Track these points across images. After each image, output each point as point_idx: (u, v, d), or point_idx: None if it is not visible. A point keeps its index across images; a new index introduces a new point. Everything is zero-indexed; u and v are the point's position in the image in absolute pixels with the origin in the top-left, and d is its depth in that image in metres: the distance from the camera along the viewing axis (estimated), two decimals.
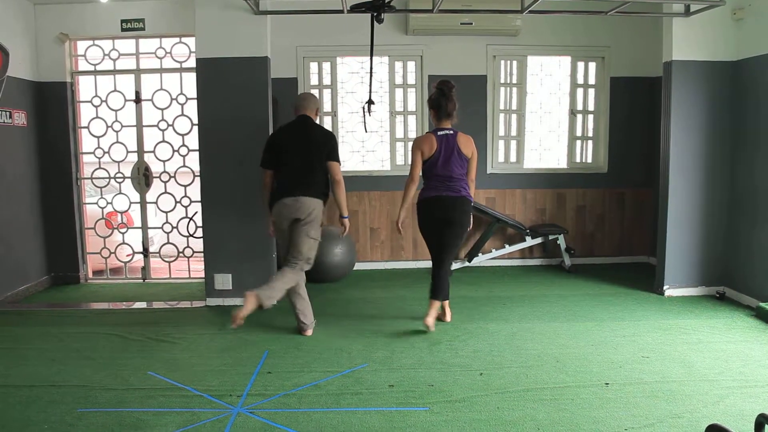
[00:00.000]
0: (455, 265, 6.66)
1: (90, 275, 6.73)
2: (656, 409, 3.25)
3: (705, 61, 5.40)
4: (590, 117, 7.10)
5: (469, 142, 4.70)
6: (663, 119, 5.58)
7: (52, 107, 6.32)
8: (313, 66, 6.82)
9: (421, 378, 3.72)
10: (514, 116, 7.02)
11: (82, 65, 6.49)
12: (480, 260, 6.81)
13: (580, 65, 7.00)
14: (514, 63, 6.93)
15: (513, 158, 7.06)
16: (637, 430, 3.02)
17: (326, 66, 6.83)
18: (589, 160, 7.16)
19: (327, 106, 6.88)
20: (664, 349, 4.19)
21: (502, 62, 6.91)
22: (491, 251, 6.81)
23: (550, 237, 6.68)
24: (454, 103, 4.67)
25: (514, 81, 6.97)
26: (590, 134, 7.12)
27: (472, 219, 4.78)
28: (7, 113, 5.80)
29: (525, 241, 6.76)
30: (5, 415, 3.29)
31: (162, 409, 3.33)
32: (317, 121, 4.73)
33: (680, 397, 3.41)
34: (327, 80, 6.85)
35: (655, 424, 3.08)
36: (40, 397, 3.50)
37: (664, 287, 5.62)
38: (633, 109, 6.96)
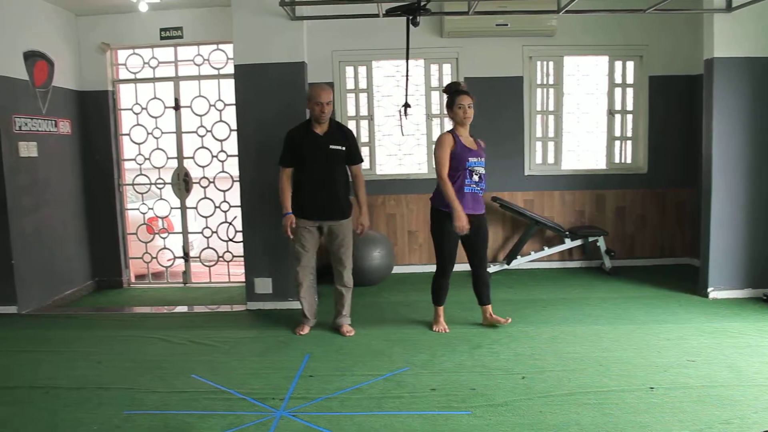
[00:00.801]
0: (494, 268, 6.63)
1: (132, 280, 6.86)
2: (704, 415, 3.18)
3: (748, 57, 5.28)
4: (629, 117, 7.00)
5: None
6: (705, 117, 5.47)
7: (94, 115, 6.48)
8: (349, 70, 6.85)
9: (462, 382, 3.70)
10: (551, 117, 6.96)
11: (123, 74, 6.63)
12: (519, 263, 6.76)
13: (618, 64, 6.91)
14: (551, 63, 6.87)
15: (551, 160, 6.99)
16: None
17: (362, 70, 6.85)
18: (629, 161, 7.06)
19: (363, 110, 6.91)
20: (710, 352, 4.10)
21: (539, 63, 6.86)
22: (530, 254, 6.75)
23: (590, 239, 6.59)
24: None
25: (551, 82, 6.90)
26: (629, 134, 7.02)
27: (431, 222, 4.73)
28: (53, 122, 5.95)
29: (564, 243, 6.68)
30: (56, 416, 3.37)
31: (206, 412, 3.37)
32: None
33: (729, 402, 3.33)
34: (363, 84, 6.88)
35: (704, 430, 3.01)
36: (88, 399, 3.58)
37: (709, 289, 5.50)
38: (672, 108, 6.84)
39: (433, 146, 4.63)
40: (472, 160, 4.50)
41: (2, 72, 5.35)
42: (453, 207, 4.41)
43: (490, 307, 4.78)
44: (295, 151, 4.57)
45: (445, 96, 4.66)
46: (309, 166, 4.56)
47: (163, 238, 6.77)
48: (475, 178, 4.51)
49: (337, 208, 4.64)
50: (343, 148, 4.60)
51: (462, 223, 4.40)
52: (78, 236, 6.42)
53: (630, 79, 6.93)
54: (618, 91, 6.96)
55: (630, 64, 6.90)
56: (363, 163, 4.86)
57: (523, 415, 3.23)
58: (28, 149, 5.62)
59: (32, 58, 5.69)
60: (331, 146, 4.56)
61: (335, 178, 4.60)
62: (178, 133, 6.57)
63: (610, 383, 3.63)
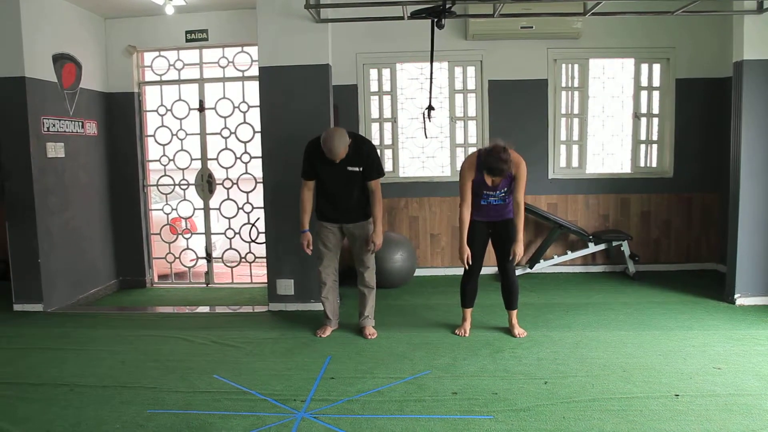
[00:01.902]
0: (517, 272, 6.56)
1: (155, 279, 6.93)
2: (731, 423, 3.13)
3: None
4: (655, 120, 6.92)
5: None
6: (733, 121, 5.38)
7: (120, 117, 6.56)
8: (373, 72, 6.85)
9: (484, 386, 3.68)
10: (576, 120, 6.90)
11: (149, 76, 6.70)
12: (542, 267, 6.71)
13: (644, 67, 6.83)
14: (576, 66, 6.81)
15: (575, 163, 6.93)
16: None
17: (386, 72, 6.85)
18: (654, 165, 6.97)
19: (387, 113, 6.91)
20: (737, 360, 4.03)
21: (563, 66, 6.80)
22: (553, 257, 6.71)
23: (614, 243, 6.52)
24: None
25: (576, 85, 6.84)
26: (655, 138, 6.93)
27: None
28: (80, 123, 6.03)
29: (588, 247, 6.62)
30: (81, 414, 3.41)
31: (228, 413, 3.39)
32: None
33: (757, 411, 3.27)
34: (387, 87, 6.88)
35: None
36: (112, 397, 3.62)
37: (735, 296, 5.41)
38: (699, 111, 6.74)
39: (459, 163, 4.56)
40: (487, 193, 4.47)
41: (32, 74, 5.43)
42: (460, 237, 4.45)
43: (513, 312, 4.73)
44: (314, 168, 4.56)
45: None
46: (326, 185, 4.59)
47: (186, 239, 6.82)
48: (492, 200, 4.50)
49: (356, 213, 4.66)
50: (360, 169, 4.52)
51: (462, 258, 4.50)
52: (103, 236, 6.50)
53: (656, 82, 6.85)
54: (644, 94, 6.88)
55: (656, 67, 6.82)
56: (381, 178, 4.65)
57: (546, 421, 3.20)
58: (55, 150, 5.70)
59: (61, 60, 5.77)
60: (348, 168, 4.50)
61: (352, 194, 4.59)
62: (202, 134, 6.63)
63: (634, 389, 3.58)
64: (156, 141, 6.71)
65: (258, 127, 5.68)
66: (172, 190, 6.81)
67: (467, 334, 4.68)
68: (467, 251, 4.48)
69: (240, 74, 6.46)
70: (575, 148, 6.92)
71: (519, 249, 4.48)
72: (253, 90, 6.10)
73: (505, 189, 4.44)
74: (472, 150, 6.81)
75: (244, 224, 6.63)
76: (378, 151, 4.72)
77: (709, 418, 3.19)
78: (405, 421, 3.24)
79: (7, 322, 5.35)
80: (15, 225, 5.55)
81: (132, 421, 3.30)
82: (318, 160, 4.51)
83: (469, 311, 4.78)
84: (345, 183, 4.56)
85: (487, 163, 4.23)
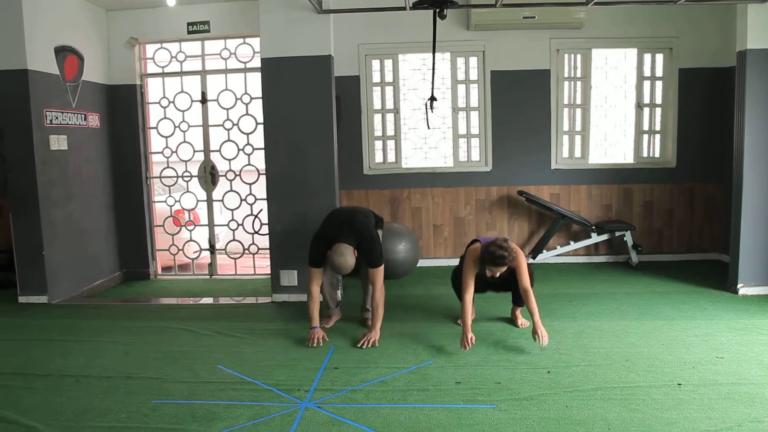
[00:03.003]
0: None
1: (159, 271, 6.95)
2: (733, 412, 3.14)
3: None
4: (657, 110, 6.90)
5: None
6: (736, 111, 5.37)
7: (122, 109, 6.56)
8: (375, 63, 6.85)
9: (487, 375, 3.70)
10: (578, 111, 6.89)
11: (151, 68, 6.70)
12: (544, 257, 6.72)
13: (647, 57, 6.81)
14: (578, 56, 6.80)
15: (578, 153, 6.93)
16: None
17: (388, 63, 6.85)
18: (657, 155, 6.97)
19: (389, 103, 6.90)
20: (739, 349, 4.04)
21: (566, 56, 6.79)
22: (556, 248, 6.72)
23: (617, 233, 6.53)
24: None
25: (578, 75, 6.83)
26: (658, 128, 6.92)
27: None
28: (83, 116, 6.04)
29: (590, 237, 6.63)
30: (87, 404, 3.43)
31: (232, 402, 3.41)
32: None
33: (760, 400, 3.27)
34: (389, 77, 6.87)
35: (733, 428, 2.97)
36: (117, 388, 3.64)
37: (738, 285, 5.41)
38: (702, 101, 6.73)
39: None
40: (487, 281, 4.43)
41: (34, 66, 5.43)
42: (462, 322, 4.25)
43: (519, 308, 4.71)
44: (323, 256, 4.44)
45: None
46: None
47: (190, 231, 6.83)
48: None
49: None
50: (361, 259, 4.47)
51: (463, 344, 4.12)
52: (106, 228, 6.51)
53: (659, 72, 6.83)
54: (647, 84, 6.87)
55: (659, 57, 6.80)
56: (382, 267, 4.49)
57: (549, 410, 3.21)
58: (58, 142, 5.71)
59: (63, 52, 5.77)
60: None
61: (357, 270, 4.55)
62: (205, 126, 6.62)
63: (637, 379, 3.59)
64: (158, 133, 6.71)
65: (260, 119, 5.68)
66: (175, 182, 6.82)
67: (469, 347, 4.54)
68: (470, 335, 4.15)
69: (242, 66, 6.45)
70: (578, 139, 6.91)
71: (541, 330, 4.12)
72: (255, 81, 6.10)
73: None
74: (474, 140, 6.84)
75: (247, 216, 6.64)
76: (380, 242, 4.60)
77: (711, 407, 3.20)
78: (408, 410, 3.26)
79: (12, 313, 5.37)
80: (19, 217, 5.56)
81: (137, 410, 3.32)
82: (324, 255, 4.42)
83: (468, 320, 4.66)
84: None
85: (489, 253, 4.14)
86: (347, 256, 4.27)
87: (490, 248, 4.14)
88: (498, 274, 4.24)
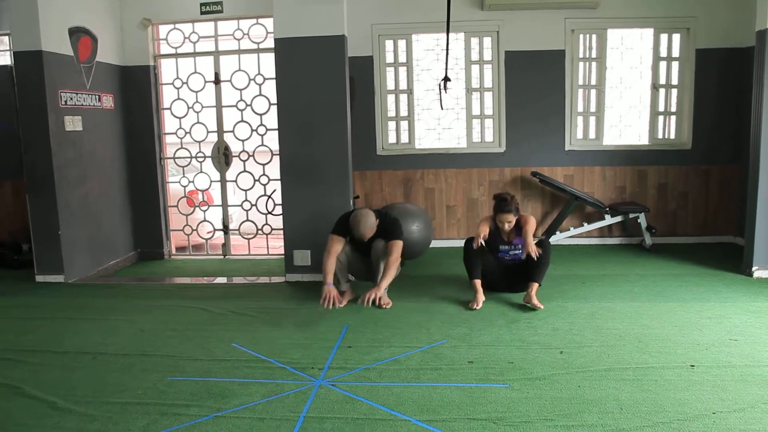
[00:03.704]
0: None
1: (173, 251, 7.00)
2: (746, 394, 3.13)
3: None
4: (674, 91, 6.83)
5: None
6: (755, 91, 5.30)
7: (136, 90, 6.58)
8: (389, 44, 6.81)
9: (500, 355, 3.71)
10: (593, 92, 6.83)
11: (164, 49, 6.70)
12: (558, 238, 6.70)
13: (663, 37, 6.72)
14: (593, 37, 6.73)
15: (592, 135, 6.88)
16: (726, 414, 2.91)
17: (401, 44, 6.81)
18: (672, 136, 6.90)
19: (403, 84, 6.88)
20: (753, 332, 4.02)
21: (581, 36, 6.72)
22: (569, 229, 6.70)
23: (631, 215, 6.50)
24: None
25: (593, 55, 6.76)
26: (673, 109, 6.85)
27: None
28: (97, 96, 6.06)
29: (604, 219, 6.61)
30: (104, 380, 3.49)
31: (247, 380, 3.44)
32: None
33: None
34: (402, 58, 6.84)
35: (746, 409, 2.96)
36: (133, 365, 3.69)
37: (753, 268, 5.38)
38: (719, 81, 6.65)
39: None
40: (503, 248, 4.89)
41: (49, 48, 5.45)
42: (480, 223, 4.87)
43: (535, 285, 4.67)
44: (345, 228, 4.74)
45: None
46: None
47: (203, 211, 6.87)
48: (507, 258, 4.90)
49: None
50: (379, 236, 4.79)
51: (477, 233, 4.77)
52: (121, 208, 6.56)
53: (675, 52, 6.74)
54: (663, 64, 6.79)
55: (676, 37, 6.71)
56: (401, 243, 4.73)
57: (561, 389, 3.22)
58: (73, 123, 5.75)
59: (77, 34, 5.79)
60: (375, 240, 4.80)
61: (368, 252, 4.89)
62: (218, 107, 6.64)
63: (650, 360, 3.59)
64: (172, 114, 6.73)
65: (274, 99, 5.68)
66: (189, 163, 6.85)
67: (479, 306, 4.65)
68: (484, 230, 4.66)
69: (255, 46, 6.44)
70: (592, 120, 6.86)
71: (533, 249, 4.61)
72: (268, 62, 6.10)
73: (519, 246, 4.78)
74: (488, 121, 6.82)
75: (261, 196, 6.66)
76: (400, 222, 4.94)
77: (724, 388, 3.19)
78: (421, 388, 3.28)
79: (29, 292, 5.45)
80: (35, 197, 5.62)
81: (153, 387, 3.37)
82: (349, 233, 4.76)
83: (478, 282, 4.78)
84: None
85: (495, 198, 4.80)
86: (369, 217, 4.67)
87: (495, 196, 4.80)
88: (507, 227, 4.74)
